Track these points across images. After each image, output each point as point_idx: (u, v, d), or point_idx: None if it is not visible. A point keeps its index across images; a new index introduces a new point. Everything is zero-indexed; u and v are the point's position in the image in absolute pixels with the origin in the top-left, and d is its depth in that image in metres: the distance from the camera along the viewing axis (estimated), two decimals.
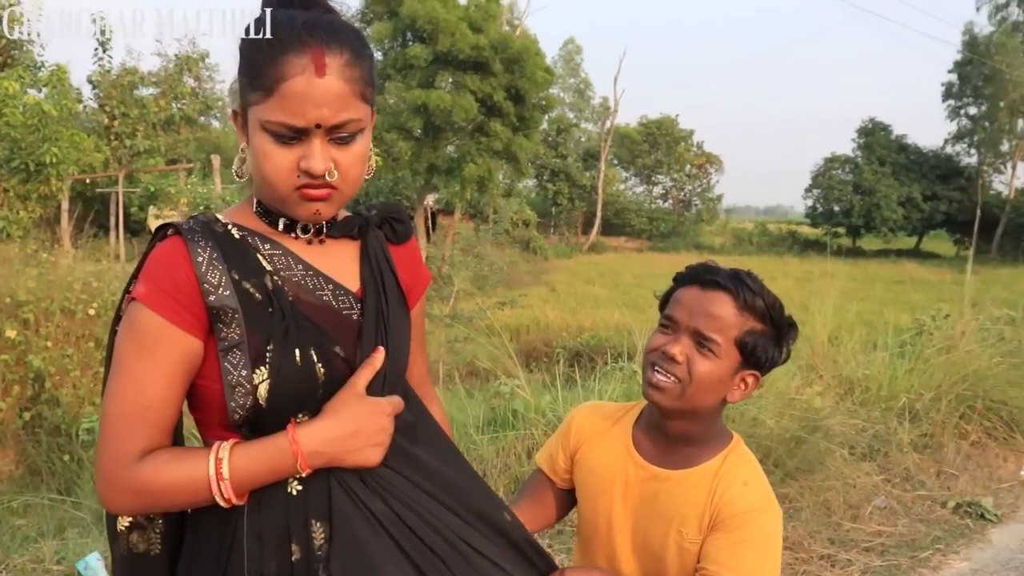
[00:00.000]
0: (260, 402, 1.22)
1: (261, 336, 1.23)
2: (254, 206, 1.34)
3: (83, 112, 21.60)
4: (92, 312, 7.69)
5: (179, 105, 23.81)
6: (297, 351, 1.24)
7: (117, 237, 17.66)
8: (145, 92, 22.93)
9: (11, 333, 7.42)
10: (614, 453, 1.74)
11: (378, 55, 25.05)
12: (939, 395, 5.65)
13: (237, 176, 1.33)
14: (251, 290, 1.24)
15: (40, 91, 16.11)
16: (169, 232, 1.26)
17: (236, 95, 1.28)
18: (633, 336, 6.19)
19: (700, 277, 1.63)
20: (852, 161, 44.79)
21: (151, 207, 18.56)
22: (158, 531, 1.35)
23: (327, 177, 1.23)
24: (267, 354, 1.22)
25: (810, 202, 46.17)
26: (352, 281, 1.36)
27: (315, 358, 1.25)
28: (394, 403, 1.31)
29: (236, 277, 1.24)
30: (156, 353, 1.21)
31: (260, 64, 1.20)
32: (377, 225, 1.44)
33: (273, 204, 1.30)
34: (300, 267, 1.31)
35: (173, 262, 1.22)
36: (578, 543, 1.83)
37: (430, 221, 29.25)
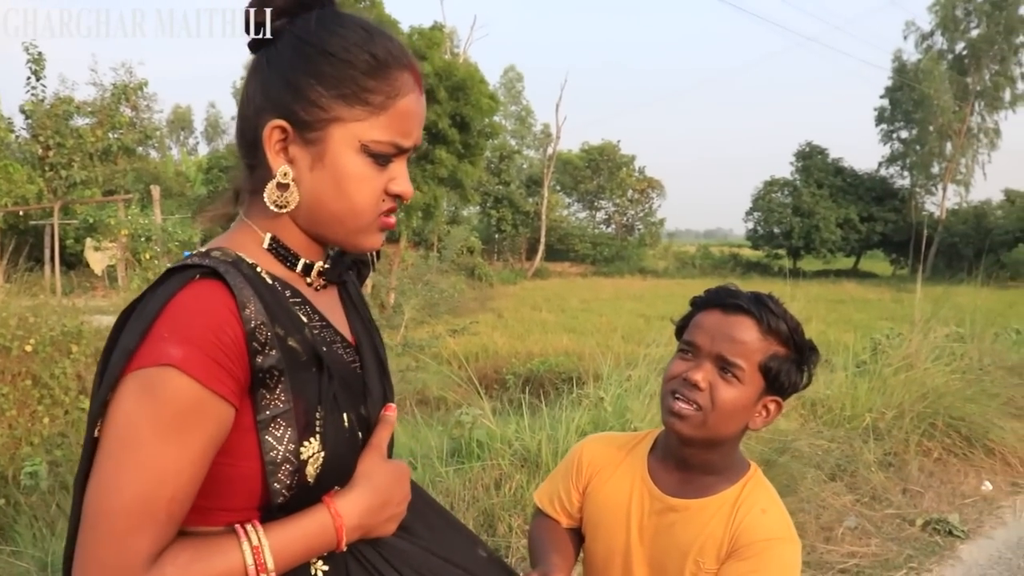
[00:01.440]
0: (307, 480, 1.04)
1: (309, 402, 1.05)
2: (266, 241, 1.13)
3: (15, 142, 21.02)
4: (29, 348, 7.40)
5: (116, 135, 23.31)
6: (344, 416, 1.09)
7: (53, 270, 17.17)
8: (81, 122, 22.41)
9: None
10: (628, 485, 1.66)
11: None
12: (901, 413, 5.69)
13: (276, 207, 1.09)
14: (296, 348, 1.05)
15: None
16: (197, 275, 1.01)
17: (285, 104, 1.08)
18: (584, 362, 6.14)
19: (722, 301, 1.57)
20: (791, 184, 45.83)
21: (88, 239, 18.12)
22: None
23: (405, 202, 1.15)
24: (317, 423, 1.05)
25: (751, 225, 47.00)
26: (345, 329, 1.22)
27: (355, 422, 1.12)
28: (408, 467, 1.19)
29: (280, 332, 1.03)
30: (192, 431, 0.96)
31: (368, 76, 1.07)
32: (348, 266, 1.29)
33: (331, 235, 1.14)
34: (316, 317, 1.15)
35: (216, 315, 0.98)
36: None
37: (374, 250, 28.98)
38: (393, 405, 1.21)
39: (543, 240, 44.49)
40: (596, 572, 1.70)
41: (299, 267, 1.16)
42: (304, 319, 1.10)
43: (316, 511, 1.05)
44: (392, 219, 1.15)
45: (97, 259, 17.66)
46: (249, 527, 1.01)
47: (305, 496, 1.05)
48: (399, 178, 1.12)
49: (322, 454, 1.05)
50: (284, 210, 1.10)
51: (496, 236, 45.48)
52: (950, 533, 4.61)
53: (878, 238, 44.27)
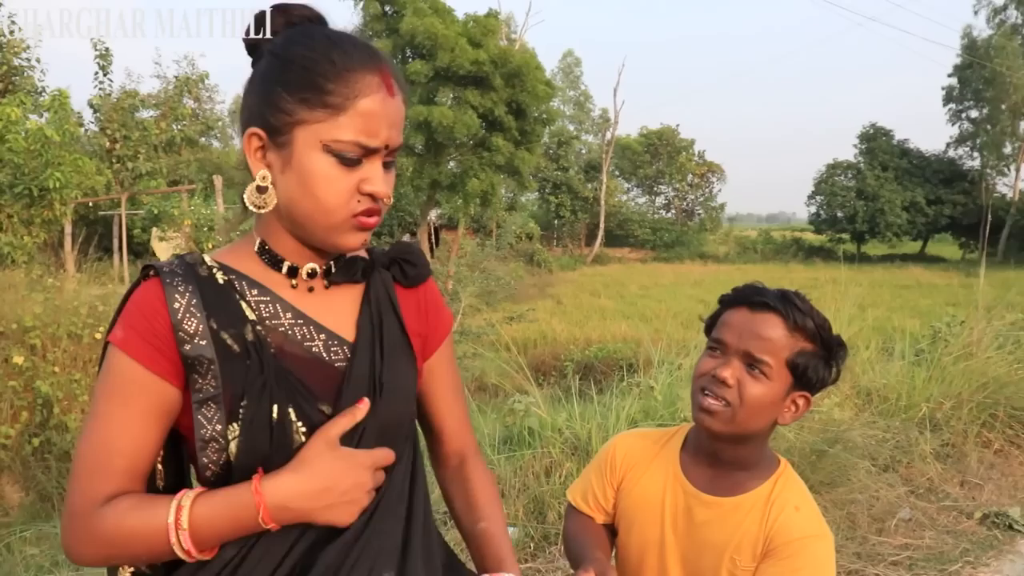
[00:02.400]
0: (231, 459, 1.14)
1: (236, 390, 1.14)
2: (256, 245, 1.25)
3: (84, 136, 21.60)
4: (99, 336, 7.65)
5: (179, 126, 23.81)
6: (275, 407, 1.15)
7: (121, 260, 17.64)
8: (146, 114, 22.93)
9: (19, 359, 7.40)
10: (662, 481, 1.70)
11: None
12: (959, 403, 5.56)
13: (255, 207, 1.19)
14: (228, 340, 1.16)
15: (42, 116, 16.13)
16: (151, 273, 1.19)
17: (260, 113, 1.17)
18: (642, 348, 6.16)
19: (749, 299, 1.60)
20: (855, 167, 44.77)
21: (154, 228, 18.56)
22: None
23: (384, 201, 1.18)
24: (240, 409, 1.14)
25: (813, 209, 46.14)
26: (348, 329, 1.27)
27: (293, 417, 1.17)
28: (375, 456, 1.20)
29: (214, 326, 1.16)
30: (130, 399, 1.14)
31: (327, 79, 1.12)
32: (385, 266, 1.35)
33: (309, 235, 1.20)
34: (289, 315, 1.23)
35: (150, 307, 1.15)
36: (624, 574, 1.76)
37: (433, 237, 29.23)
38: (366, 400, 1.22)
39: (602, 226, 44.31)
40: (630, 567, 1.73)
41: (284, 269, 1.24)
42: (253, 315, 1.19)
43: (243, 485, 1.13)
44: (371, 219, 1.18)
45: (163, 248, 18.08)
46: (189, 492, 1.13)
47: (230, 475, 1.15)
48: (371, 178, 1.16)
49: (240, 439, 1.14)
50: (262, 211, 1.19)
51: (555, 222, 45.44)
52: (1010, 527, 4.50)
53: (946, 221, 43.06)
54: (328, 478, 1.14)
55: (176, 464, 1.27)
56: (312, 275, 1.26)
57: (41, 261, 12.81)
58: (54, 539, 4.73)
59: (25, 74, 21.91)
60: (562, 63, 54.52)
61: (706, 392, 1.57)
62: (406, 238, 33.20)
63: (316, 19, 1.21)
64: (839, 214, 44.07)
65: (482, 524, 1.39)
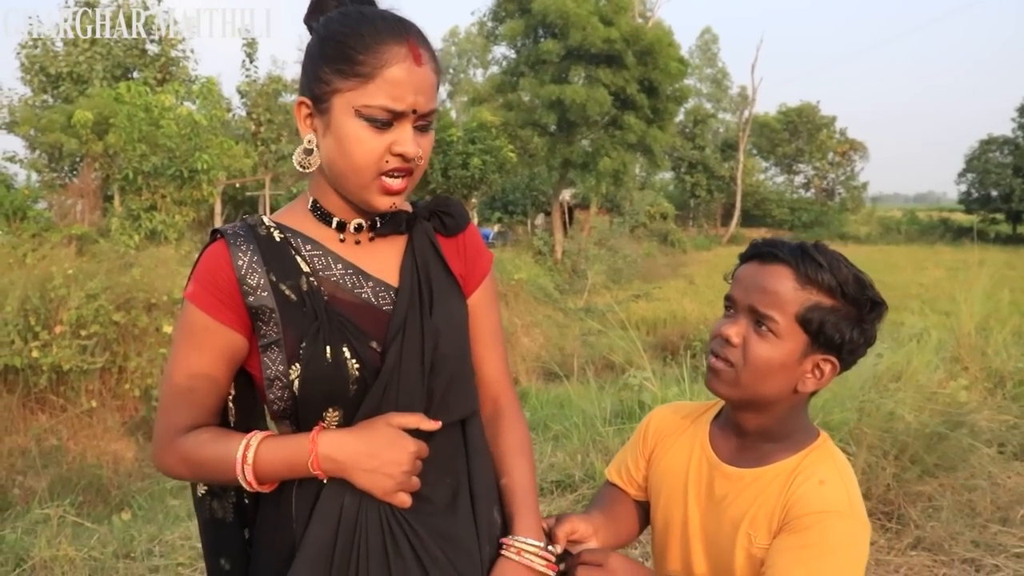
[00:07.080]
0: (296, 393, 1.29)
1: (296, 334, 1.29)
2: (309, 203, 1.40)
3: (233, 121, 22.71)
4: None
5: None
6: (328, 348, 1.29)
7: None
8: (289, 99, 23.90)
9: (168, 328, 7.94)
10: (688, 452, 1.61)
11: (511, 52, 25.24)
12: None
13: (300, 167, 1.35)
14: (287, 292, 1.31)
15: (194, 103, 17.06)
16: (217, 236, 1.35)
17: (307, 85, 1.31)
18: None
19: (759, 251, 1.49)
20: (1012, 142, 41.91)
21: None
22: (231, 501, 1.45)
23: (415, 161, 1.30)
24: (300, 351, 1.29)
25: (964, 187, 43.62)
26: (394, 276, 1.40)
27: (347, 354, 1.30)
28: (420, 445, 1.33)
29: (274, 279, 1.31)
30: (202, 344, 1.32)
31: (357, 51, 1.25)
32: (426, 218, 1.47)
33: (347, 194, 1.34)
34: (340, 266, 1.37)
35: (217, 265, 1.32)
36: (654, 550, 1.70)
37: (566, 216, 29.28)
38: (439, 422, 1.35)
39: (739, 205, 43.39)
40: (658, 543, 1.66)
41: (333, 224, 1.39)
42: (307, 268, 1.34)
43: (304, 435, 1.30)
44: (396, 183, 1.31)
45: None
46: (259, 433, 1.33)
47: (302, 411, 1.32)
48: (400, 140, 1.28)
49: (301, 376, 1.29)
50: (308, 171, 1.36)
51: (691, 202, 44.76)
52: None
53: None
54: (374, 444, 1.29)
55: (246, 403, 1.44)
56: (358, 229, 1.39)
57: (191, 238, 13.58)
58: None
59: (180, 64, 23.24)
60: (699, 41, 53.46)
61: (714, 353, 1.49)
62: (540, 218, 33.19)
63: (365, 0, 1.35)
64: (993, 193, 41.50)
65: (504, 480, 1.49)
